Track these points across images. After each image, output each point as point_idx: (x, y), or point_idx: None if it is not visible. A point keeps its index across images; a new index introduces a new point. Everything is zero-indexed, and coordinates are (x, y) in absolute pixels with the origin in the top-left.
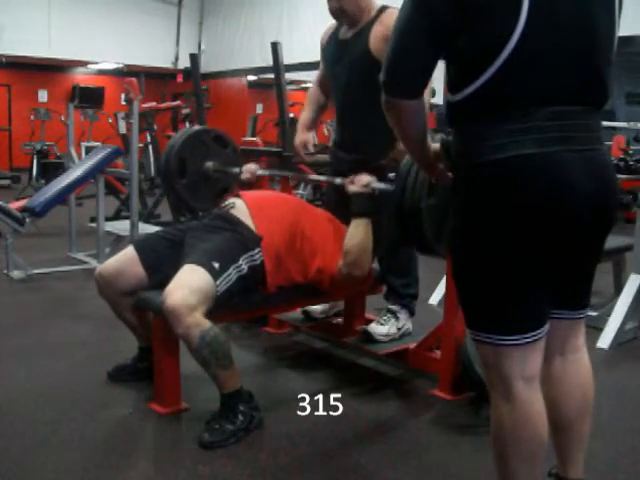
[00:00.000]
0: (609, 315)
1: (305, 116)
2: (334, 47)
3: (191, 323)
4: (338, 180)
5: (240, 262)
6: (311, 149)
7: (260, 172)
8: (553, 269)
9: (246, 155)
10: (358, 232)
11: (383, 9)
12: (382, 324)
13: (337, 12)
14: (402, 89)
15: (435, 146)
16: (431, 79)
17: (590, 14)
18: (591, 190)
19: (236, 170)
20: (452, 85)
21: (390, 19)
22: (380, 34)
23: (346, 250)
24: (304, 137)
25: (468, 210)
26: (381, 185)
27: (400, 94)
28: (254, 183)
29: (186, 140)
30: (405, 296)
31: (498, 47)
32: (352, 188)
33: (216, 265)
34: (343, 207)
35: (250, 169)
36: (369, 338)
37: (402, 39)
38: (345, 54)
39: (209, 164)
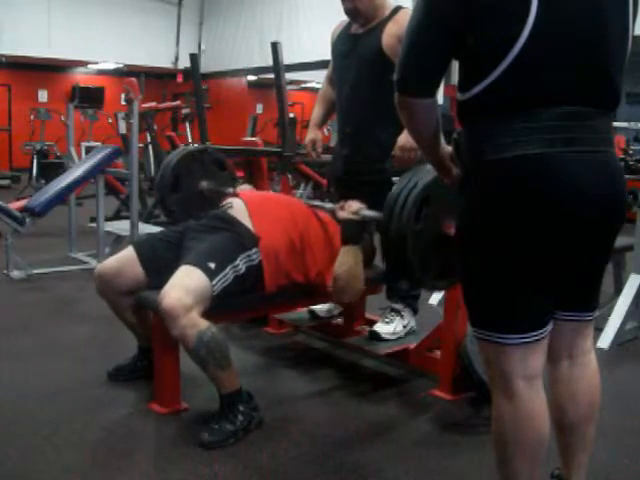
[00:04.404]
0: (609, 315)
1: (316, 114)
2: (344, 40)
3: (187, 323)
4: (329, 205)
5: (237, 262)
6: (319, 148)
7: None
8: (557, 269)
9: (246, 155)
10: (347, 259)
11: (397, 9)
12: (388, 323)
13: (352, 12)
14: (415, 88)
15: (450, 148)
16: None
17: (601, 15)
18: (595, 192)
19: (231, 191)
20: (461, 84)
21: (404, 18)
22: (394, 32)
23: (335, 276)
24: (314, 135)
25: (472, 208)
26: (371, 213)
27: (413, 93)
28: None
29: (183, 157)
30: (408, 296)
31: (505, 48)
32: (341, 214)
33: (212, 265)
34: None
35: (245, 190)
36: (376, 337)
37: (415, 39)
38: (355, 48)
39: (204, 183)
